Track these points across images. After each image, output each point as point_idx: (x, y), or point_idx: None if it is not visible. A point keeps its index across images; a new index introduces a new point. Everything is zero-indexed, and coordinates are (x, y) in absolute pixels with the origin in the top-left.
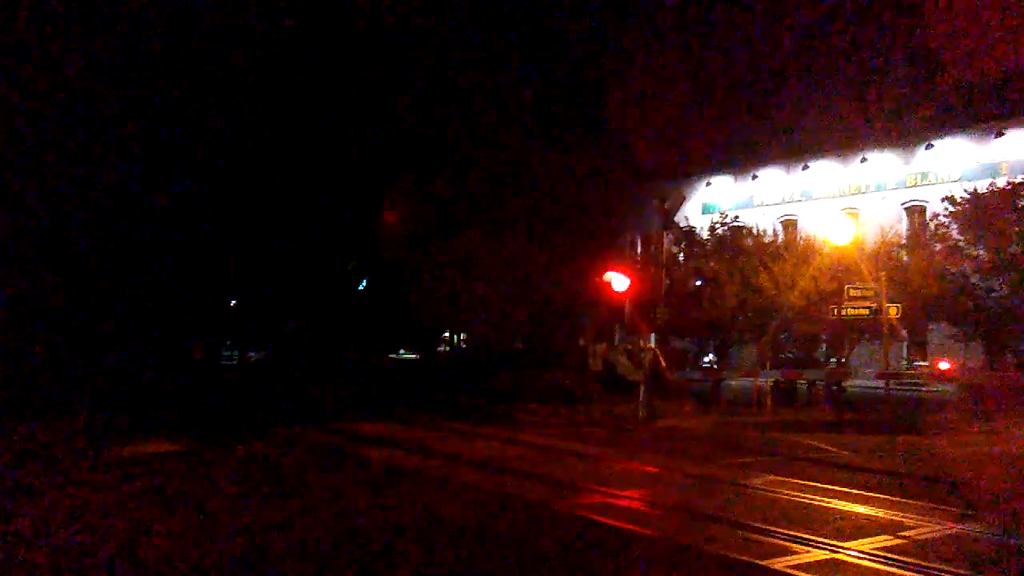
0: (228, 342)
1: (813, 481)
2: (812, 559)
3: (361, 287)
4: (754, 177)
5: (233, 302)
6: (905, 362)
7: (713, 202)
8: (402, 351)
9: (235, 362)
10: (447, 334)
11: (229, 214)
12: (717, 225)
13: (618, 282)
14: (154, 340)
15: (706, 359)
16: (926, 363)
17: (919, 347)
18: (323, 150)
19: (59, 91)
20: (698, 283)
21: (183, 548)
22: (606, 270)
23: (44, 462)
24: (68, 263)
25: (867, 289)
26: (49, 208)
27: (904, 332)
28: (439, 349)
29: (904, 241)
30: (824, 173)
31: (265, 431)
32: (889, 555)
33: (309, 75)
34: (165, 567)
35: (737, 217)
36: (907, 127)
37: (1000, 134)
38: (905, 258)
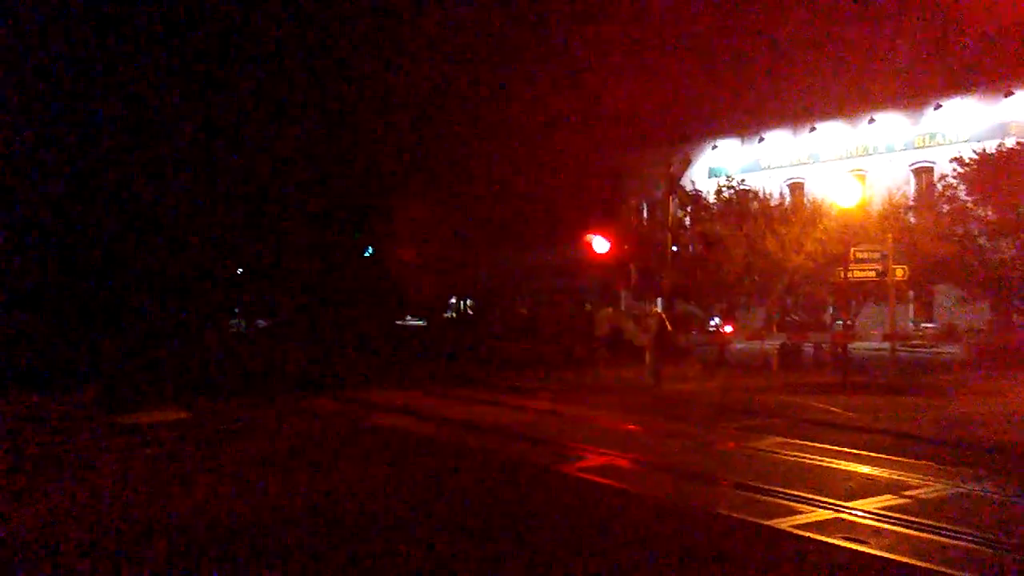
0: (236, 310)
1: (818, 442)
2: (817, 519)
3: (367, 255)
4: (761, 140)
5: (240, 271)
6: (911, 324)
7: (720, 165)
8: (409, 318)
9: (243, 330)
10: (453, 300)
11: (235, 185)
12: (724, 189)
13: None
14: (163, 310)
15: (713, 323)
16: (933, 324)
17: (926, 308)
18: (323, 123)
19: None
20: (705, 247)
21: (185, 514)
22: (613, 235)
23: (53, 431)
24: (76, 237)
25: (873, 251)
26: (60, 185)
27: (910, 294)
28: (445, 315)
29: (912, 203)
30: (832, 135)
31: (272, 398)
32: (893, 514)
33: (302, 63)
34: (167, 531)
35: (744, 180)
36: (915, 87)
37: (1009, 94)
38: (912, 220)
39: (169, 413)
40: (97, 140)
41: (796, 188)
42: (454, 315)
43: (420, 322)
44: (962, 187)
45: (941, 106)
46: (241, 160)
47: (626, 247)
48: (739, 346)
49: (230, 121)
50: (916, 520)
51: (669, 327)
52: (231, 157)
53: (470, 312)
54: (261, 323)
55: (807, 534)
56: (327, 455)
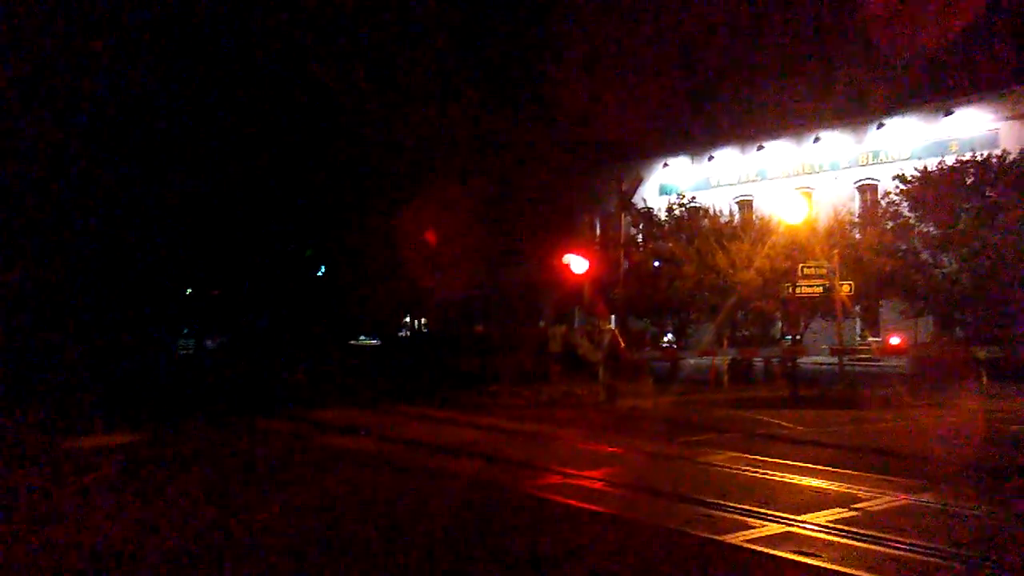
0: (185, 330)
1: (769, 456)
2: (768, 532)
3: (319, 273)
4: (711, 158)
5: (189, 290)
6: (858, 338)
7: (671, 183)
8: (363, 337)
9: (191, 351)
10: (408, 319)
11: (184, 202)
12: (675, 206)
13: (577, 265)
14: (110, 331)
15: (665, 339)
16: (878, 339)
17: (871, 323)
18: (277, 137)
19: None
20: (656, 264)
21: (132, 540)
22: (565, 253)
23: None
24: (15, 253)
25: (820, 267)
26: None
27: (856, 309)
28: (400, 334)
29: (857, 219)
30: (779, 153)
31: (223, 419)
32: (842, 527)
33: (250, 83)
34: (112, 560)
35: (694, 198)
36: (859, 107)
37: (949, 113)
38: (857, 236)
39: (116, 436)
40: (45, 147)
41: (745, 205)
42: (408, 333)
43: (374, 341)
44: (905, 204)
45: (884, 125)
46: (192, 176)
47: (608, 267)
48: (691, 361)
49: (184, 134)
50: (866, 532)
51: (622, 343)
52: (183, 173)
53: (424, 330)
54: (210, 343)
55: (759, 548)
56: (276, 480)
